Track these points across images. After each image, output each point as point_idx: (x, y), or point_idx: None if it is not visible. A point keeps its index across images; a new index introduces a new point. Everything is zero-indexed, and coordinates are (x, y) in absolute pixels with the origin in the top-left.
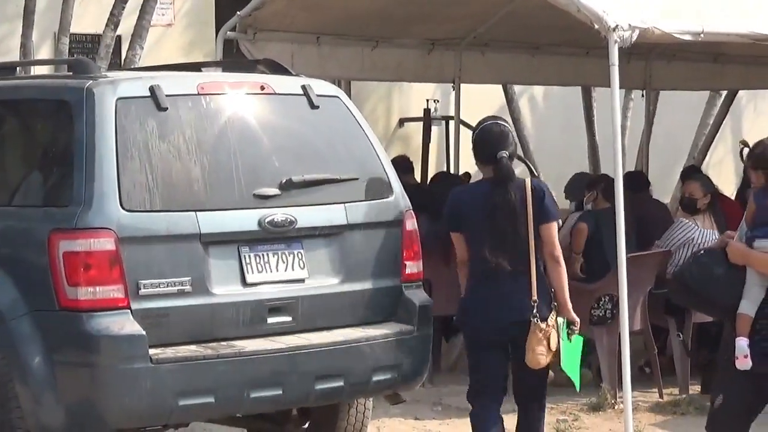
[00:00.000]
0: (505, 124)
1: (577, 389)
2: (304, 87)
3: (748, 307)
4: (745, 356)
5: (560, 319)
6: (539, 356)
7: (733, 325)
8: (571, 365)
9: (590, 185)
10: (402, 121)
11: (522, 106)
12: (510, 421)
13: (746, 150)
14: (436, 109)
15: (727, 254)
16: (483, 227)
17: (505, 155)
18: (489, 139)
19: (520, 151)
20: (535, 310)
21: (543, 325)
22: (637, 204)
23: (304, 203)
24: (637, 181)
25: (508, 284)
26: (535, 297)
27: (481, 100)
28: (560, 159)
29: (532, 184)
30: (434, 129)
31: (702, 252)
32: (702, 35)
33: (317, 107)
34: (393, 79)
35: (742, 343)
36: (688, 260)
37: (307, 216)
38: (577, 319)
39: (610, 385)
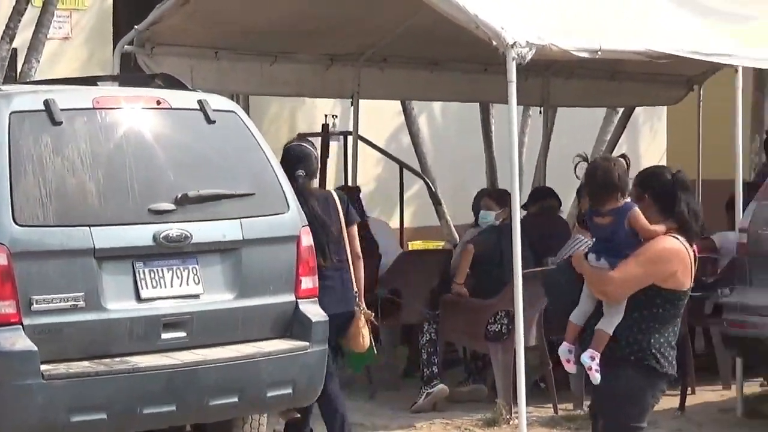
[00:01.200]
0: (308, 146)
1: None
2: (200, 102)
3: (576, 315)
4: (567, 361)
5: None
6: (366, 339)
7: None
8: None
9: (501, 200)
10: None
11: (420, 121)
12: None
13: (582, 164)
14: (334, 125)
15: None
16: None
17: (301, 174)
18: (289, 159)
19: (418, 167)
20: (357, 300)
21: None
22: (541, 219)
23: (199, 218)
24: (554, 196)
25: (337, 280)
26: (356, 289)
27: (380, 116)
28: (458, 174)
29: (337, 194)
30: (333, 144)
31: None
32: (599, 52)
33: (213, 122)
34: (292, 94)
35: (563, 348)
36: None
37: (203, 231)
38: (368, 311)
39: (504, 401)
